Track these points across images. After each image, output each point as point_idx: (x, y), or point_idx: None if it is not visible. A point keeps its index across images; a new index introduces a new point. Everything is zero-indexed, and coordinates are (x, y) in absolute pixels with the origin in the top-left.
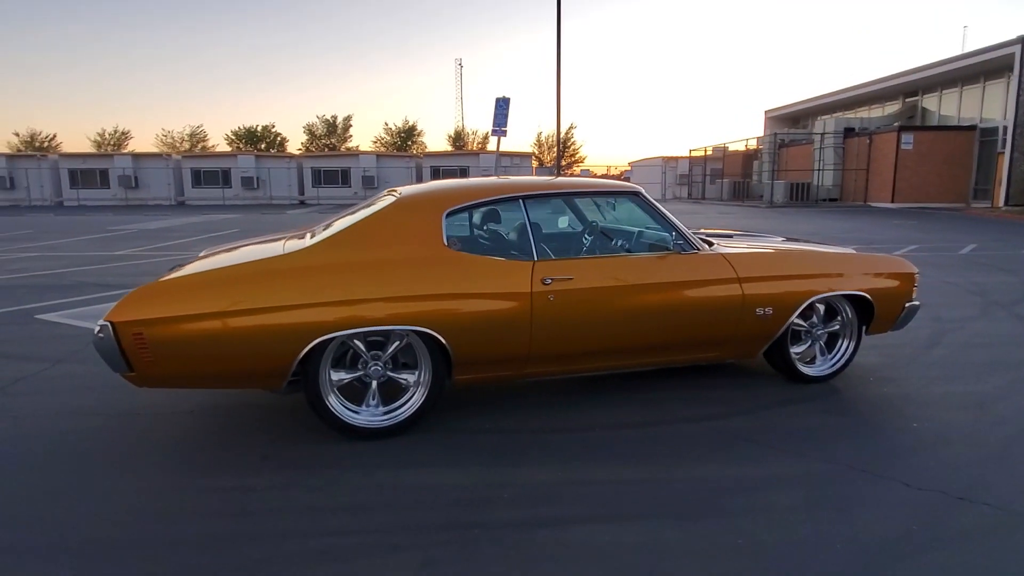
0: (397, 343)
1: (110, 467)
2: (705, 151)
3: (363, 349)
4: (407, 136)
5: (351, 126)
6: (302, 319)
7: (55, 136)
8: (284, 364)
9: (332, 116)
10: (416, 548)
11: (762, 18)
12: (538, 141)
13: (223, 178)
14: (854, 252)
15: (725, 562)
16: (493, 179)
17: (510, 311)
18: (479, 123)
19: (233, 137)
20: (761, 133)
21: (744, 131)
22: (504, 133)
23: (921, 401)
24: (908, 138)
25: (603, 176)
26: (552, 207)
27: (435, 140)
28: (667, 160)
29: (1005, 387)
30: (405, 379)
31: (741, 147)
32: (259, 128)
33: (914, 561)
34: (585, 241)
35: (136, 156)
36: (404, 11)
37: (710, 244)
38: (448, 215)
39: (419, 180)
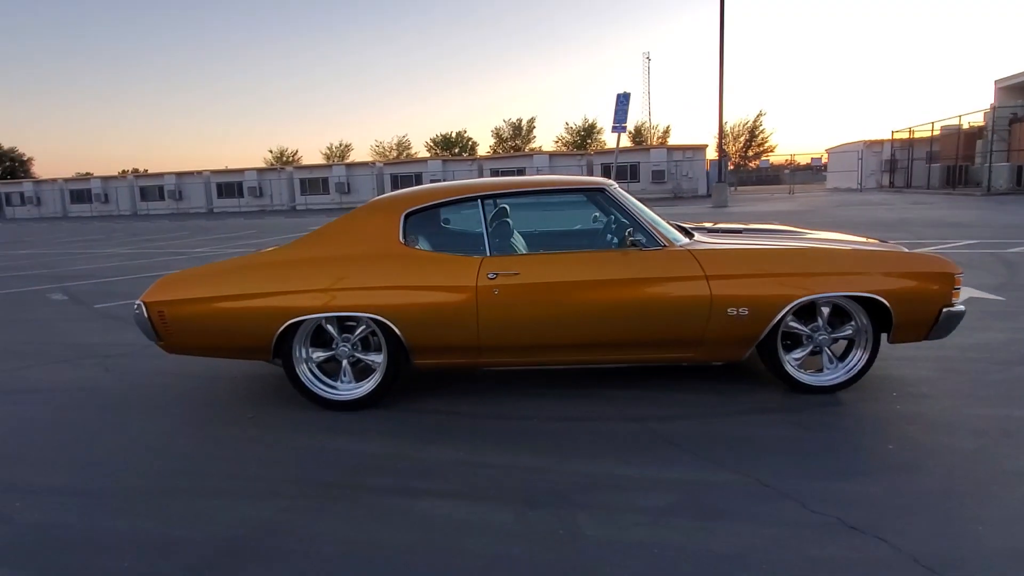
0: (363, 328)
1: (142, 413)
2: (911, 132)
3: (335, 332)
4: (587, 134)
5: (534, 127)
6: (276, 304)
7: (297, 151)
8: (265, 341)
9: (517, 119)
10: (287, 497)
11: None
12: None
13: (415, 181)
14: (877, 248)
15: (522, 546)
16: (459, 181)
17: (456, 303)
18: (665, 117)
19: (431, 144)
20: (988, 107)
21: (967, 106)
22: (624, 129)
23: (931, 423)
24: None
25: (786, 165)
26: (516, 206)
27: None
28: (869, 144)
29: None
30: (372, 360)
31: (961, 125)
32: (453, 134)
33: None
34: (546, 237)
35: (349, 165)
36: (591, 8)
37: (691, 236)
38: (407, 215)
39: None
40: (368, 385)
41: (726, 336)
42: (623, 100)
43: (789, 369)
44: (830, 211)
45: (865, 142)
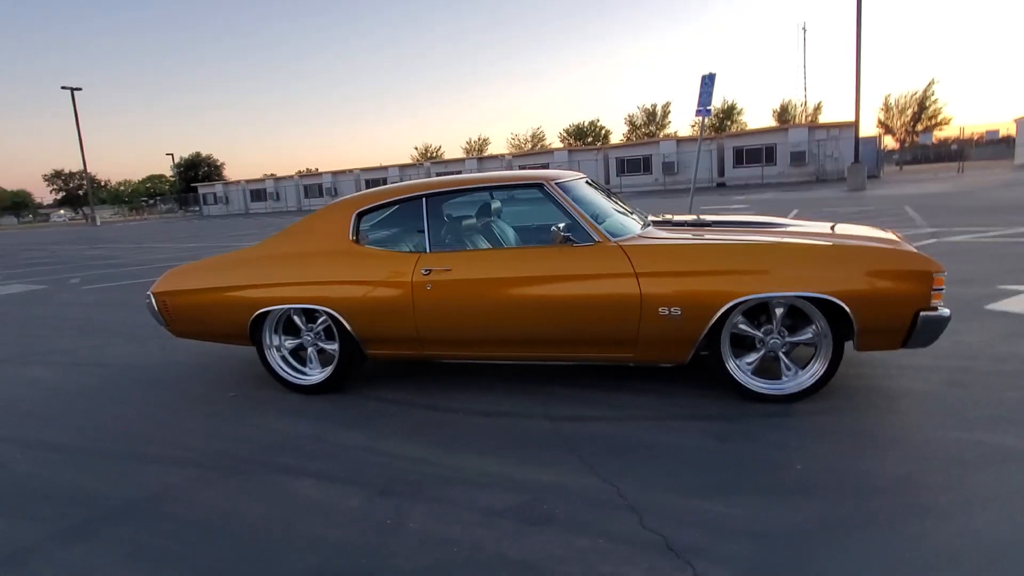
0: (323, 319)
1: (159, 387)
2: None
3: (300, 322)
4: (726, 116)
5: (669, 112)
6: (247, 295)
7: (440, 147)
8: (241, 328)
9: (652, 105)
10: (202, 467)
11: None
12: (885, 105)
13: None
14: (840, 243)
15: (345, 530)
16: (408, 182)
17: (394, 297)
18: (821, 93)
19: (565, 135)
20: None
21: None
22: (709, 113)
23: (874, 444)
24: None
25: (955, 140)
26: (459, 203)
27: (759, 116)
28: None
29: None
30: (332, 349)
31: None
32: (585, 124)
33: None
34: (484, 234)
35: (480, 159)
36: None
37: (644, 227)
38: (358, 215)
39: (720, 163)
40: (323, 373)
41: (661, 337)
42: (708, 82)
43: (734, 374)
44: (984, 194)
45: None
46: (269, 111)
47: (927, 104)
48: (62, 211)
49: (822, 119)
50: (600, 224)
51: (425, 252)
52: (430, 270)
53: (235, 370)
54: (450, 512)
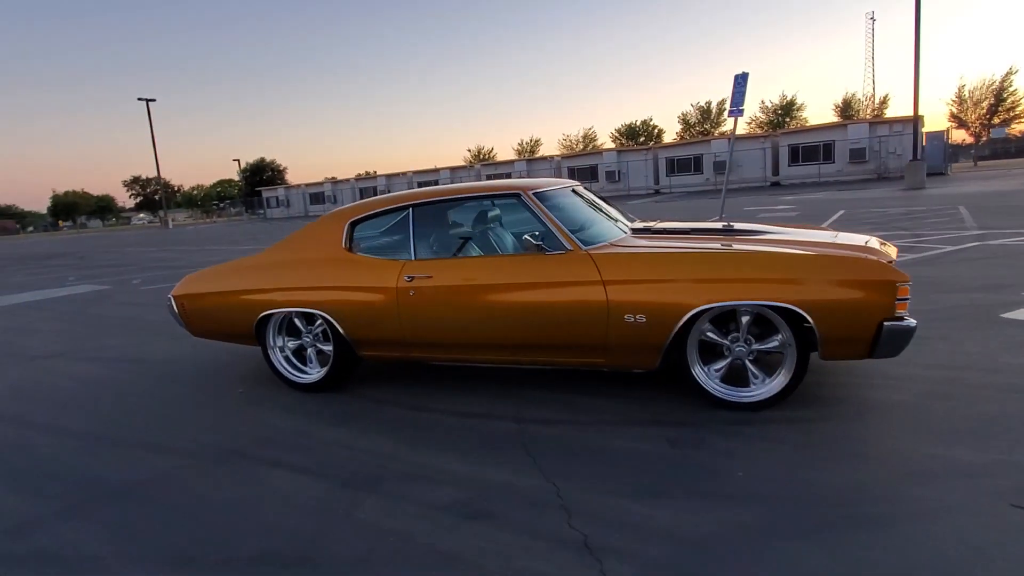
0: (320, 322)
1: (180, 381)
2: None
3: (301, 324)
4: (784, 112)
5: (724, 109)
6: (251, 299)
7: (492, 148)
8: (247, 329)
9: (706, 102)
10: (193, 456)
11: None
12: (958, 97)
13: (591, 174)
14: (804, 252)
15: (302, 517)
16: (397, 192)
17: (380, 302)
18: (889, 86)
19: (616, 135)
20: None
21: None
22: (741, 112)
23: (825, 454)
24: None
25: None
26: (446, 212)
27: (822, 112)
28: None
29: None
30: (329, 350)
31: None
32: (637, 123)
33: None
34: (466, 242)
35: (529, 160)
36: None
37: (627, 234)
38: (351, 224)
39: (774, 161)
40: (320, 373)
41: (629, 343)
42: (740, 81)
43: (699, 380)
44: None
45: None
46: (330, 116)
47: (1004, 95)
48: (141, 215)
49: (889, 113)
50: (578, 233)
51: (410, 260)
52: (413, 277)
53: (249, 368)
54: (398, 505)
